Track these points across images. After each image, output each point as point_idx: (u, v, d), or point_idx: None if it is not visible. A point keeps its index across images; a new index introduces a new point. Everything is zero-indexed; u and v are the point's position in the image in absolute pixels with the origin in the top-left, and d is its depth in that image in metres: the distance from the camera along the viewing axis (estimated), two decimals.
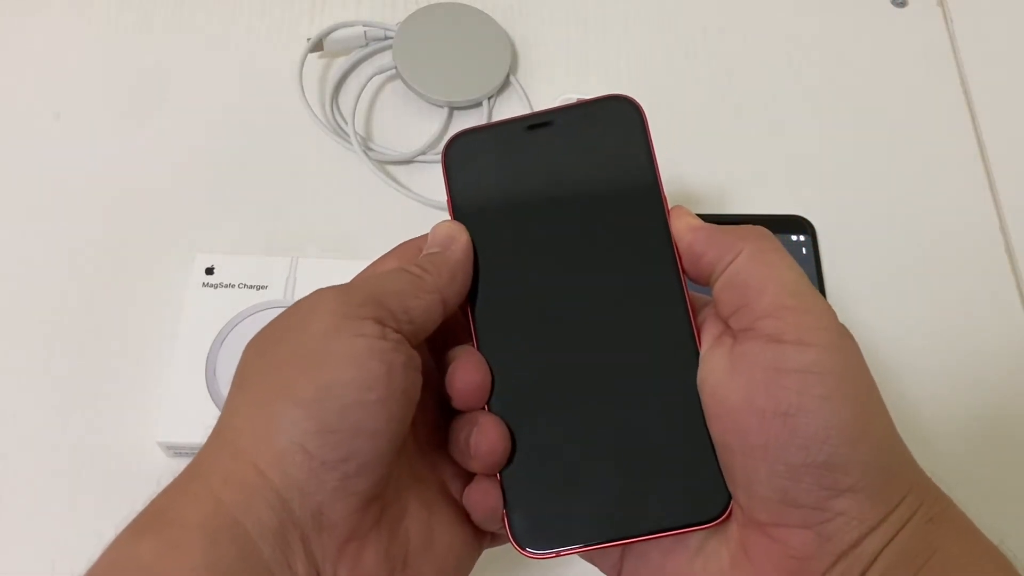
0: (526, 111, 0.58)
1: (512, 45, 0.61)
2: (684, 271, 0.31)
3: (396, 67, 0.58)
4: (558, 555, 0.29)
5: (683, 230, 0.31)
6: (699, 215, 0.31)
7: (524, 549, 0.30)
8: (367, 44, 0.60)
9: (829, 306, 0.28)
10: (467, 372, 0.30)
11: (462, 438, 0.30)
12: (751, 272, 0.29)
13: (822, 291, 0.52)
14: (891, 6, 0.63)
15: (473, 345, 0.31)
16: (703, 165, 0.57)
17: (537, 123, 0.33)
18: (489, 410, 0.31)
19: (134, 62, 0.59)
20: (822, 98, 0.60)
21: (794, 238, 0.54)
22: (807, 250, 0.53)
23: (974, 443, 0.48)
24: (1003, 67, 0.61)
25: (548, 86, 0.60)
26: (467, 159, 0.33)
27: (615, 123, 0.33)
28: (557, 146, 0.33)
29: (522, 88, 0.59)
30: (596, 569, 0.33)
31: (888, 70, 0.61)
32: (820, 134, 0.58)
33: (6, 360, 0.50)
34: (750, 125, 0.59)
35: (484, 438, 0.30)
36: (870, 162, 0.57)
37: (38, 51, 0.59)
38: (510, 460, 0.30)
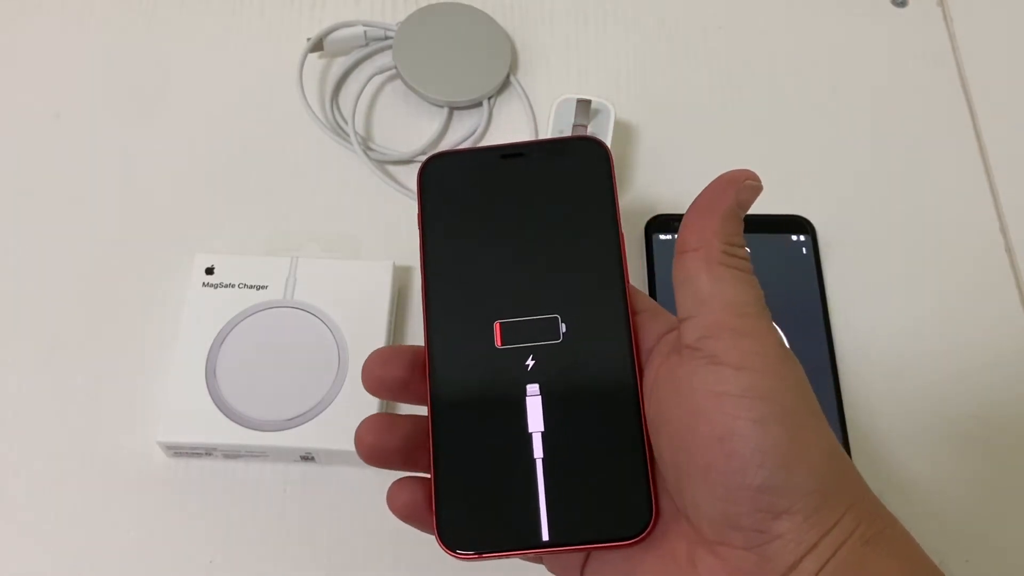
0: (526, 111, 0.58)
1: (512, 45, 0.61)
2: (632, 306, 0.32)
3: (396, 67, 0.58)
4: (481, 558, 0.30)
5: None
6: None
7: (448, 548, 0.30)
8: (367, 44, 0.60)
9: (774, 330, 0.29)
10: (377, 365, 0.32)
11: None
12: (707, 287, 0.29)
13: (822, 291, 0.52)
14: (891, 6, 0.63)
15: (424, 347, 0.33)
16: (703, 165, 0.57)
17: (510, 153, 0.35)
18: (430, 409, 0.32)
19: (134, 62, 0.59)
20: (822, 98, 0.60)
21: (794, 238, 0.54)
22: (807, 250, 0.53)
23: (974, 444, 0.48)
24: (1003, 67, 0.61)
25: (548, 86, 0.60)
26: (441, 181, 0.35)
27: (584, 162, 0.34)
28: (527, 177, 0.34)
29: (522, 88, 0.59)
30: None
31: (888, 70, 0.61)
32: (820, 134, 0.58)
33: (6, 359, 0.50)
34: (750, 125, 0.59)
35: (363, 427, 0.32)
36: (870, 162, 0.57)
37: (38, 51, 0.59)
38: (442, 461, 0.31)
